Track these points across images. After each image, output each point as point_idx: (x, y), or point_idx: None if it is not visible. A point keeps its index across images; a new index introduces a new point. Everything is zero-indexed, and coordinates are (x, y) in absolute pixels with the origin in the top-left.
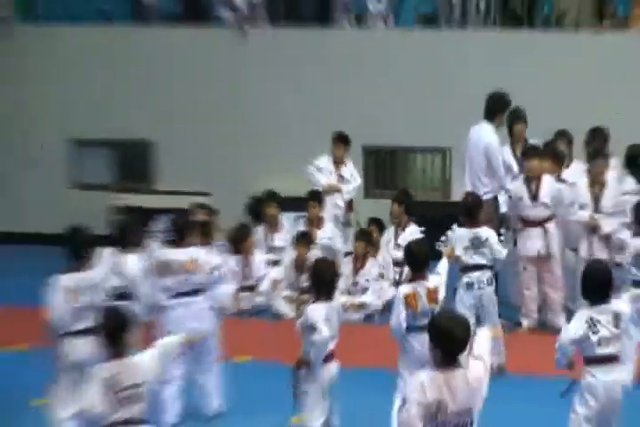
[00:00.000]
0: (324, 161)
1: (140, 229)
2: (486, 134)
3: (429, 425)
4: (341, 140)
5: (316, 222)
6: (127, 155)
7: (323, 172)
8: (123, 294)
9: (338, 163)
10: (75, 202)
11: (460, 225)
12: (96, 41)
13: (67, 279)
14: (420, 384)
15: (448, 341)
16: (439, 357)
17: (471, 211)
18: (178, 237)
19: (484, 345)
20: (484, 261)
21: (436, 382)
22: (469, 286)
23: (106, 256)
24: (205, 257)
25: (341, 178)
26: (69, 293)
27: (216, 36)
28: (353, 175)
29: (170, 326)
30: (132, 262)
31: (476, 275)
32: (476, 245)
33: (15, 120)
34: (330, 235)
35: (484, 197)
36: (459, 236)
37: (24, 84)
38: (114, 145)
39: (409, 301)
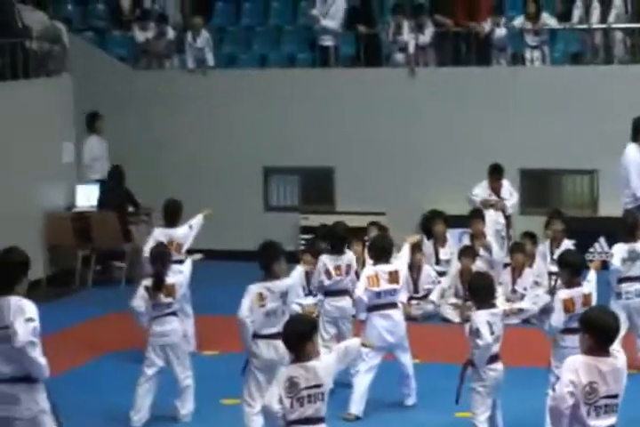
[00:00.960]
0: (480, 188)
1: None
2: (627, 151)
3: (584, 406)
4: (497, 171)
5: (479, 237)
6: (312, 180)
7: (479, 197)
8: None
9: (494, 189)
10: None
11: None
12: (282, 83)
13: (258, 286)
14: (573, 366)
15: (602, 330)
16: (593, 345)
17: (630, 228)
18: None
19: (617, 346)
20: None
21: (589, 366)
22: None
23: (297, 269)
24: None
25: (500, 198)
26: (259, 299)
27: (389, 74)
28: (511, 193)
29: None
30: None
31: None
32: (633, 258)
33: (219, 153)
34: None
35: (625, 207)
36: (617, 249)
37: (225, 122)
38: (300, 172)
39: (567, 304)
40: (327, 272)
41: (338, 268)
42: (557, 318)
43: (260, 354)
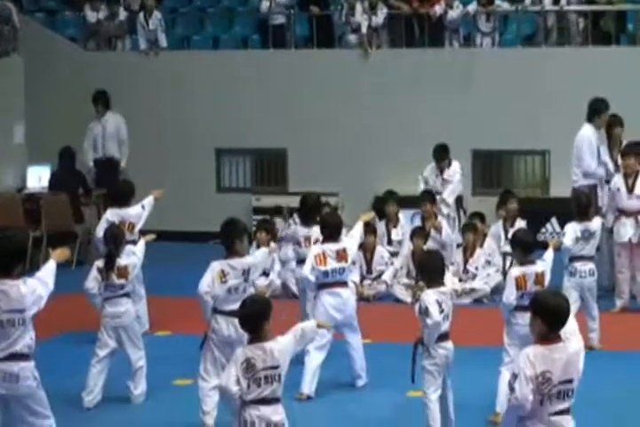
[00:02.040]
0: (429, 169)
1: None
2: (582, 131)
3: (538, 395)
4: (440, 151)
5: (430, 217)
6: (264, 161)
7: (429, 179)
8: None
9: (441, 169)
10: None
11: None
12: (235, 64)
13: (220, 263)
14: (527, 359)
15: (554, 315)
16: (544, 331)
17: (584, 207)
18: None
19: (574, 325)
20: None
21: (541, 356)
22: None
23: (262, 250)
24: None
25: (444, 181)
26: (221, 275)
27: (341, 56)
28: (454, 175)
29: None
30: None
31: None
32: (586, 237)
33: (172, 135)
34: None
35: (574, 185)
36: (570, 229)
37: (177, 103)
38: (253, 153)
39: (519, 282)
40: (297, 242)
41: (307, 239)
42: (508, 294)
43: (220, 330)
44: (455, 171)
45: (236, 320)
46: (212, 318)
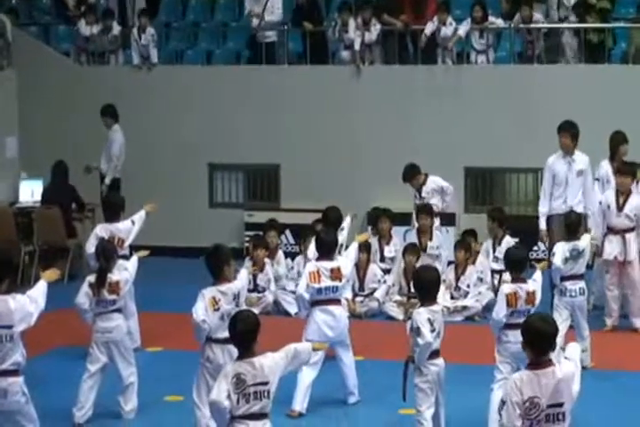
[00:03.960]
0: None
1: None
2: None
3: (526, 420)
4: (410, 169)
5: (425, 232)
6: (257, 177)
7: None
8: None
9: (418, 190)
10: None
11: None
12: (228, 79)
13: (211, 291)
14: (515, 386)
15: (539, 340)
16: (531, 355)
17: (572, 227)
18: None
19: (576, 352)
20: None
21: (529, 381)
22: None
23: (243, 271)
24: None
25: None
26: (213, 302)
27: (335, 72)
28: (432, 193)
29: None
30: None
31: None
32: (575, 256)
33: (164, 150)
34: (437, 244)
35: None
36: (559, 248)
37: (170, 118)
38: (245, 168)
39: (510, 299)
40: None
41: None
42: (499, 310)
43: (215, 359)
44: (433, 184)
45: (230, 346)
46: (205, 346)
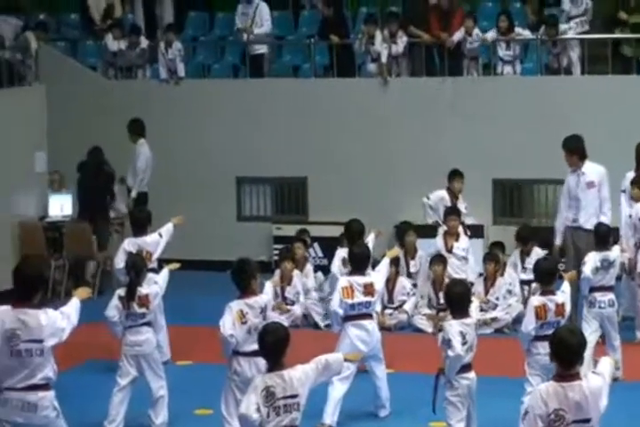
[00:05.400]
0: (438, 195)
1: None
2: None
3: None
4: (454, 174)
5: (453, 233)
6: (285, 190)
7: (438, 205)
8: None
9: (455, 196)
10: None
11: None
12: (254, 93)
13: (238, 304)
14: (540, 396)
15: (565, 353)
16: (559, 367)
17: (602, 237)
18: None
19: (606, 367)
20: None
21: (554, 393)
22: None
23: (268, 285)
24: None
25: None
26: (240, 316)
27: (362, 85)
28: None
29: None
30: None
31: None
32: (605, 266)
33: (192, 164)
34: (465, 246)
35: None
36: (590, 258)
37: (198, 132)
38: (273, 182)
39: (539, 311)
40: (344, 262)
41: None
42: (527, 323)
43: (243, 372)
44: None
45: (257, 359)
46: (232, 359)
